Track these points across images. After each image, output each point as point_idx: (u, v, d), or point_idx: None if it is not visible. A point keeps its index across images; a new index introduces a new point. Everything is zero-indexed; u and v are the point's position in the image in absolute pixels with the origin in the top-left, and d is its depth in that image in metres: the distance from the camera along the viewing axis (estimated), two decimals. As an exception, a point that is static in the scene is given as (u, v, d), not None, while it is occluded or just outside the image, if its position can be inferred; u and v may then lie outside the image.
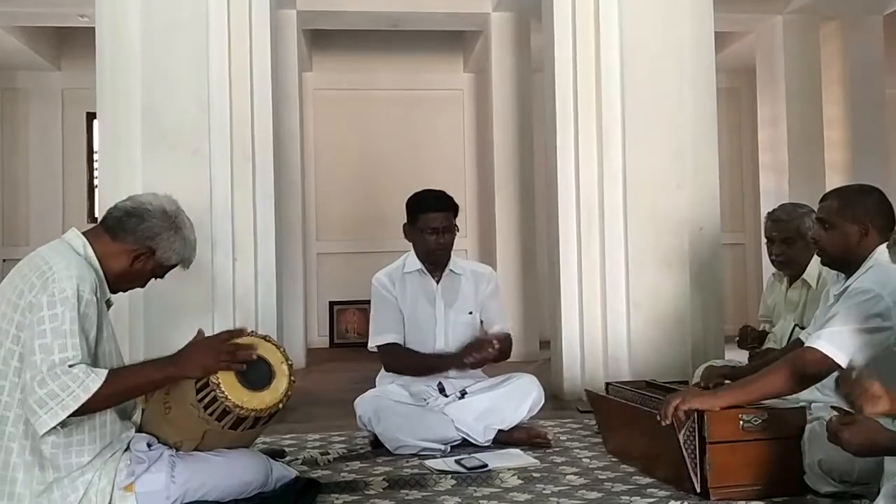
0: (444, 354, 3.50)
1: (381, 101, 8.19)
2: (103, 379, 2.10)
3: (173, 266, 2.44)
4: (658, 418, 2.54)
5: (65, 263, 2.19)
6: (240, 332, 2.37)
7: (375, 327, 3.56)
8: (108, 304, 2.37)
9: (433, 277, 3.58)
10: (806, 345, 2.49)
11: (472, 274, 3.64)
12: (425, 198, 3.54)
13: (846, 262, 2.59)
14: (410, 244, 3.60)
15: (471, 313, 3.57)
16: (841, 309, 2.43)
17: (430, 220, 3.47)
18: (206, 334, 2.39)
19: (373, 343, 3.56)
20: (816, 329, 2.60)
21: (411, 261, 3.59)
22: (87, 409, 2.12)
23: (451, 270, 3.60)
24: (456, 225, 3.54)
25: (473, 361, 3.40)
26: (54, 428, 2.10)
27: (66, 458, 2.18)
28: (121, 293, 2.47)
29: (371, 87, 8.15)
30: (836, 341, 2.38)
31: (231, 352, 2.27)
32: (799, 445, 2.54)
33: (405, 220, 3.56)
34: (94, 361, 2.18)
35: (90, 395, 2.08)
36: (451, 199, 3.55)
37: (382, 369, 3.63)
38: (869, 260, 2.52)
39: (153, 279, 2.47)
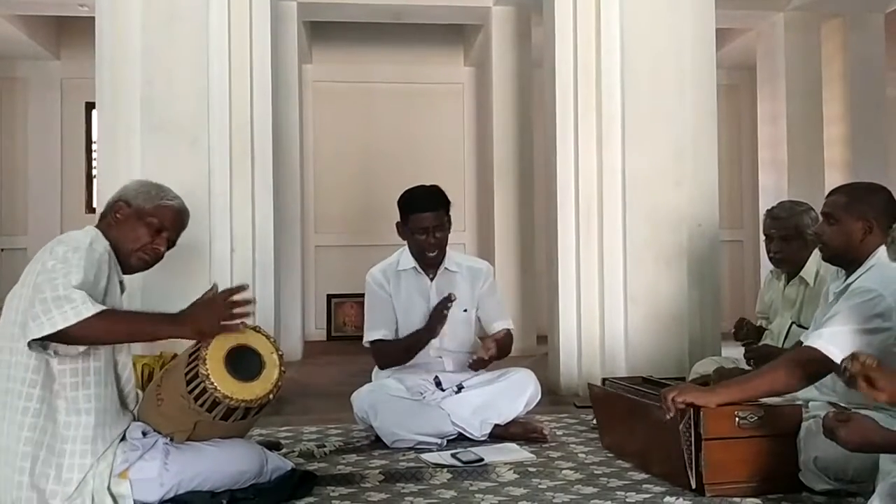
0: (417, 331, 3.47)
1: (381, 94, 8.17)
2: (98, 310, 2.14)
3: (165, 215, 2.46)
4: (661, 409, 2.54)
5: (82, 231, 2.35)
6: (239, 289, 2.36)
7: (368, 324, 3.57)
8: (122, 286, 2.43)
9: (427, 275, 3.57)
10: (805, 344, 2.48)
11: (467, 270, 3.62)
12: (415, 197, 3.49)
13: (847, 259, 2.58)
14: None
15: (466, 311, 3.56)
16: (842, 308, 2.42)
17: (421, 221, 3.43)
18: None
19: (366, 339, 3.56)
20: (817, 328, 2.59)
21: (405, 258, 3.57)
22: (75, 338, 2.15)
23: (445, 268, 3.57)
24: (449, 221, 3.51)
25: (474, 362, 3.41)
26: (49, 354, 2.17)
27: (72, 416, 2.23)
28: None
29: (371, 80, 8.13)
30: (837, 341, 2.36)
31: (227, 309, 2.28)
32: (795, 443, 2.54)
33: (398, 219, 3.54)
34: None
35: (80, 320, 2.12)
36: (441, 196, 3.49)
37: None
38: (871, 258, 2.51)
39: (166, 241, 2.48)
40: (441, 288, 3.56)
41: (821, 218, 2.69)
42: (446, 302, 3.39)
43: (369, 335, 3.54)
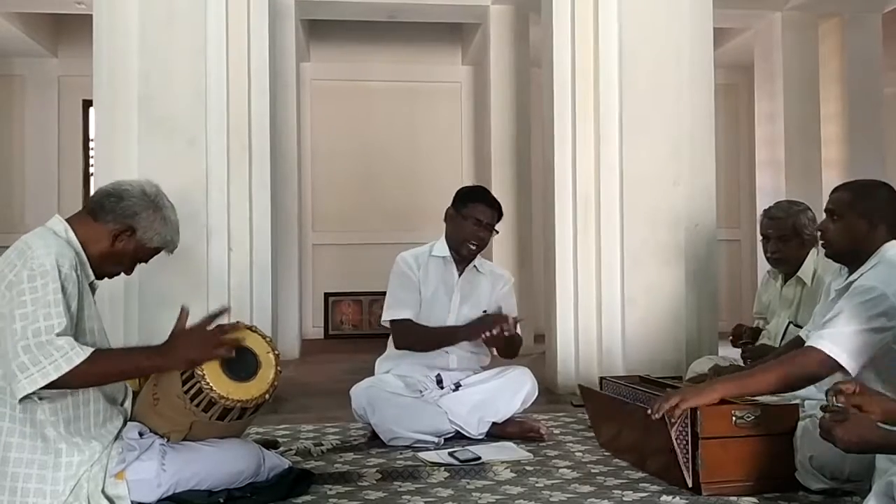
0: (456, 327, 3.50)
1: (379, 92, 8.17)
2: (87, 355, 2.11)
3: (157, 250, 2.42)
4: (648, 412, 2.54)
5: (43, 242, 2.22)
6: (222, 311, 2.35)
7: (392, 301, 3.54)
8: (93, 287, 2.36)
9: (457, 268, 3.59)
10: (807, 344, 2.47)
11: (490, 274, 3.68)
12: (482, 191, 3.65)
13: (850, 256, 2.57)
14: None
15: (485, 311, 3.57)
16: (845, 307, 2.41)
17: (480, 213, 3.49)
18: (190, 313, 2.35)
19: (387, 316, 3.54)
20: (817, 326, 2.59)
21: (440, 247, 3.60)
22: (67, 383, 2.12)
23: (474, 266, 3.61)
24: (496, 229, 3.58)
25: (489, 338, 3.39)
26: (32, 399, 2.12)
27: (62, 431, 2.19)
28: (114, 281, 2.47)
29: (369, 79, 8.13)
30: (840, 342, 2.35)
31: (216, 338, 2.25)
32: (791, 442, 2.54)
33: (449, 206, 3.57)
34: (75, 336, 2.17)
35: (72, 368, 2.08)
36: (501, 206, 3.61)
37: (385, 352, 3.63)
38: (874, 256, 2.50)
39: (138, 264, 2.45)
40: (466, 284, 3.59)
41: (823, 215, 2.69)
42: (508, 324, 3.36)
43: (393, 313, 3.52)
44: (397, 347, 3.57)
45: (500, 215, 3.58)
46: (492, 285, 3.63)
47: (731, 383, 2.58)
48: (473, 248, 3.53)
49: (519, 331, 3.50)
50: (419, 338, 3.51)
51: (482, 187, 3.73)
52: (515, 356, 3.57)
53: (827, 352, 2.36)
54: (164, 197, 2.43)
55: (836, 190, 2.66)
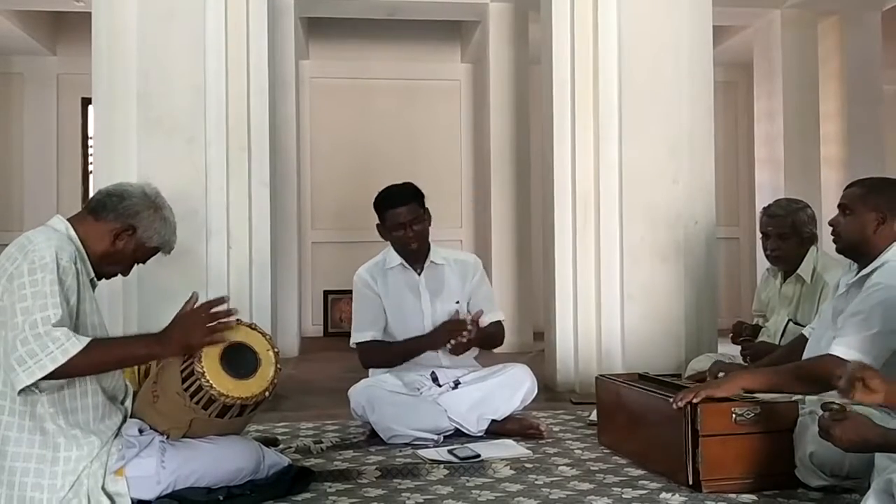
0: (418, 337, 3.48)
1: (378, 90, 8.17)
2: (84, 345, 2.12)
3: (155, 250, 2.47)
4: (671, 401, 2.55)
5: (44, 237, 2.25)
6: (220, 301, 2.34)
7: (356, 324, 3.56)
8: (93, 284, 2.38)
9: (415, 270, 3.57)
10: (829, 352, 2.46)
11: (455, 263, 3.62)
12: (387, 194, 3.52)
13: (860, 250, 2.59)
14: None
15: (458, 303, 3.56)
16: (863, 308, 2.41)
17: (396, 216, 3.45)
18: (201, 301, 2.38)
19: (353, 340, 3.56)
20: (823, 322, 2.61)
21: (391, 256, 3.57)
22: (65, 374, 2.13)
23: (432, 261, 3.57)
24: (427, 212, 3.51)
25: (454, 346, 3.38)
26: (32, 391, 2.13)
27: (61, 424, 2.20)
28: (113, 279, 2.49)
29: (368, 77, 8.12)
30: (857, 345, 2.38)
31: (211, 324, 2.26)
32: (791, 439, 2.55)
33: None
34: (75, 329, 2.18)
35: (68, 359, 2.10)
36: (413, 189, 3.52)
37: None
38: (885, 253, 2.51)
39: (136, 265, 2.49)
40: (430, 281, 3.56)
41: (825, 214, 2.70)
42: (463, 327, 3.36)
43: (357, 336, 3.54)
44: (366, 367, 3.58)
45: (419, 201, 3.48)
46: (461, 275, 3.59)
47: (752, 377, 2.62)
48: (414, 247, 3.50)
49: (493, 317, 3.49)
50: (384, 356, 3.52)
51: (389, 188, 3.55)
52: (499, 345, 3.58)
53: (847, 358, 2.36)
54: (163, 198, 2.50)
55: (850, 186, 2.68)
